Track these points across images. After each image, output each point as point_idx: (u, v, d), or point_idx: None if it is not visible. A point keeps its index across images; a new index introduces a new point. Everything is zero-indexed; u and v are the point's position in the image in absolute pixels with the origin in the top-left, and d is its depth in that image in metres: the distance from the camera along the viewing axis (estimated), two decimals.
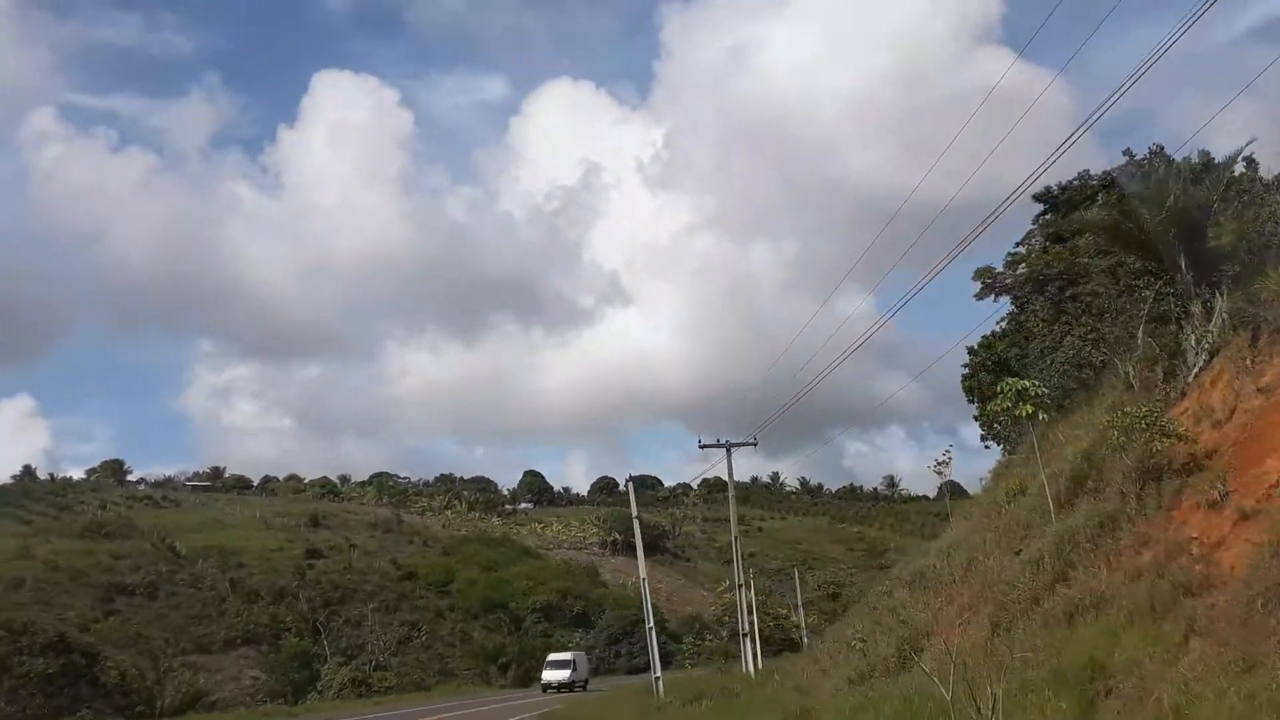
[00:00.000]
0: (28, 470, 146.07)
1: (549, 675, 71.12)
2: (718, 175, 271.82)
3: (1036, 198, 38.09)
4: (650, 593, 51.00)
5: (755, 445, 47.04)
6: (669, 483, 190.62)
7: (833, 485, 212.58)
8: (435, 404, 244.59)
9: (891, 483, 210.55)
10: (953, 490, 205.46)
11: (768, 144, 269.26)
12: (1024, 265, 39.87)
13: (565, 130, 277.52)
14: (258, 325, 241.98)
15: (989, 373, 37.87)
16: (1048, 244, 38.62)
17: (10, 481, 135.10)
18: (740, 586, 52.95)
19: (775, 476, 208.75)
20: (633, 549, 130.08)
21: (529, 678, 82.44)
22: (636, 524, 51.72)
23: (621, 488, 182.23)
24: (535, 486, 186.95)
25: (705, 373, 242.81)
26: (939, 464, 54.00)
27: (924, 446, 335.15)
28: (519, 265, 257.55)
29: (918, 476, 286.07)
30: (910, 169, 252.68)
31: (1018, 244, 41.24)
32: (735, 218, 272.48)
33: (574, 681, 70.46)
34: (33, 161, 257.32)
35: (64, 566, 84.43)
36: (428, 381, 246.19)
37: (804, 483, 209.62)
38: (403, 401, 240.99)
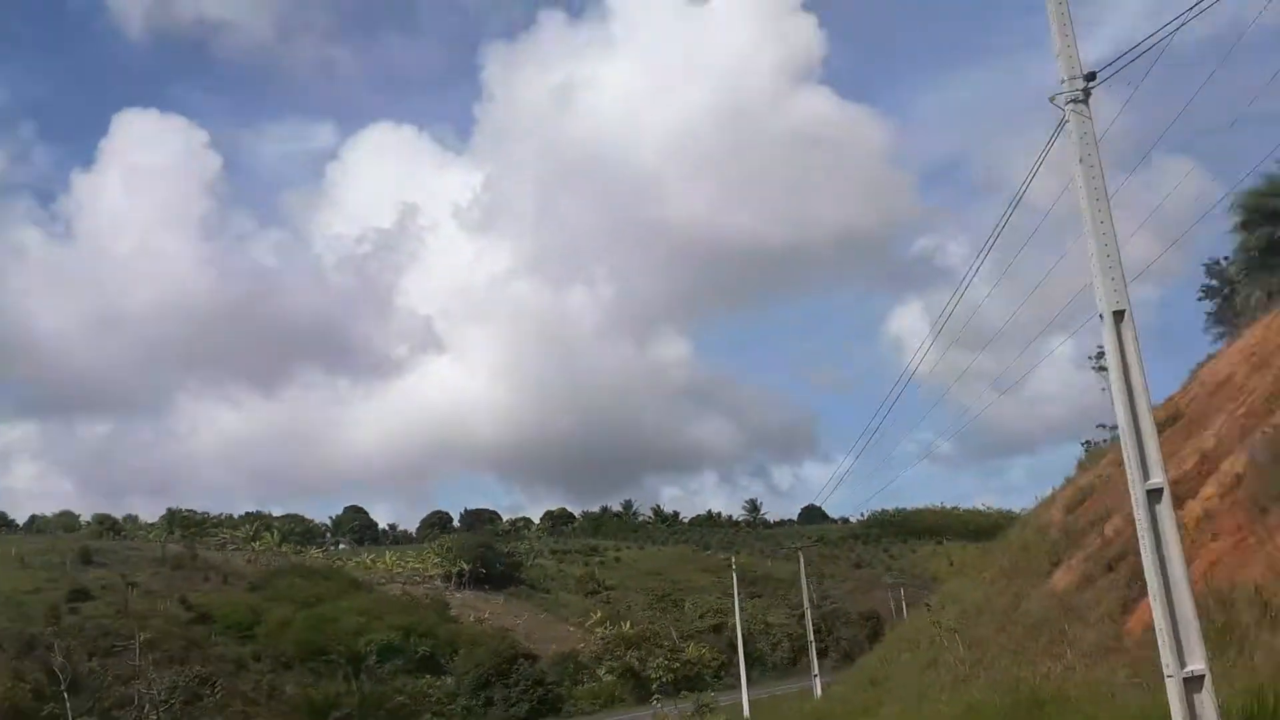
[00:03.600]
0: None
1: None
2: (537, 218, 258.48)
3: None
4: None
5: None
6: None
7: (686, 514, 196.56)
8: (232, 460, 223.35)
9: (754, 507, 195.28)
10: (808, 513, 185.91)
11: (588, 185, 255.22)
12: None
13: (383, 174, 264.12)
14: (41, 380, 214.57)
15: None
16: None
17: None
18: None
19: (628, 505, 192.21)
20: (482, 583, 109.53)
21: None
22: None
23: (456, 523, 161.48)
24: (356, 523, 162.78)
25: (519, 419, 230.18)
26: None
27: (734, 489, 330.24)
28: (328, 312, 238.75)
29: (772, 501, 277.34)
30: (730, 209, 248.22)
31: None
32: (553, 261, 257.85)
33: None
34: None
35: None
36: (224, 437, 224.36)
37: (658, 510, 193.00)
38: (196, 459, 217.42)
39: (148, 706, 64.62)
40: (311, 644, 78.97)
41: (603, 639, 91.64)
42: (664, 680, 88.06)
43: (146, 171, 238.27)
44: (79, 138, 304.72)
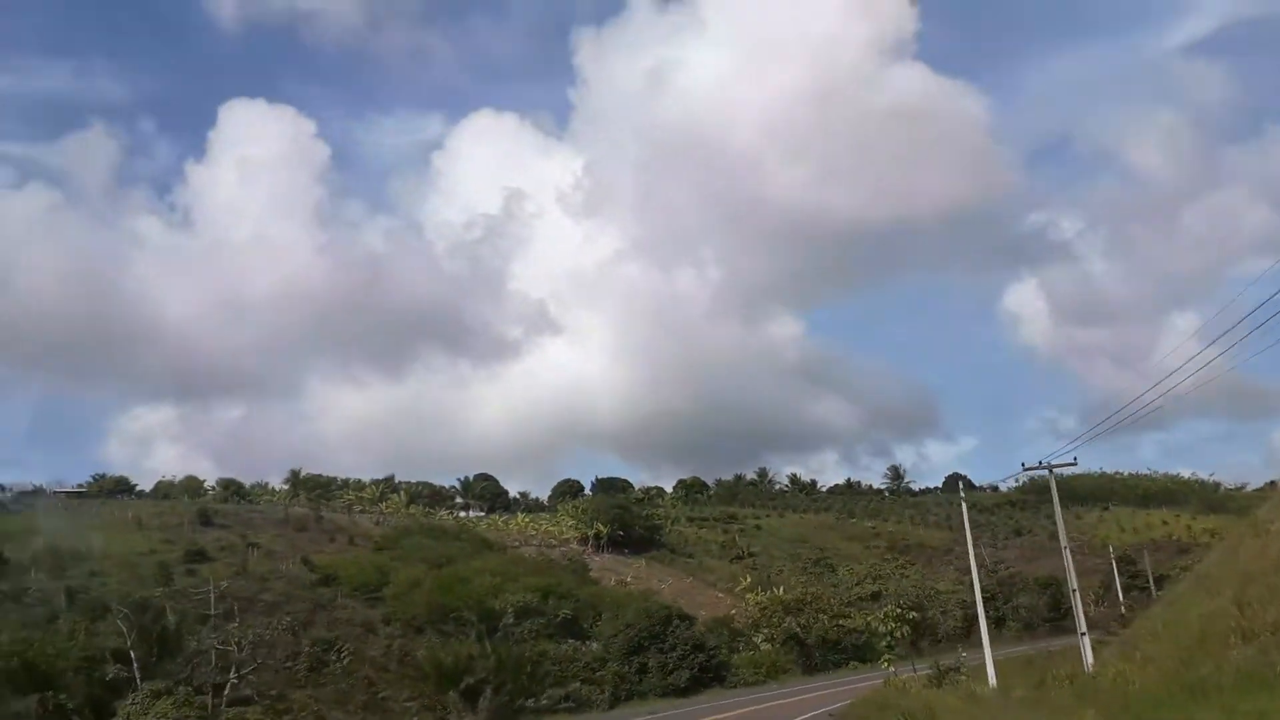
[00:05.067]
0: None
1: None
2: (640, 201, 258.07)
3: None
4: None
5: (1075, 464, 41.76)
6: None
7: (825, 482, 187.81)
8: (362, 440, 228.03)
9: (896, 474, 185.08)
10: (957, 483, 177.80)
11: (688, 167, 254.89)
12: None
13: (487, 161, 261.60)
14: (172, 367, 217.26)
15: None
16: None
17: None
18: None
19: (763, 473, 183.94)
20: (621, 546, 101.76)
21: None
22: None
23: (588, 491, 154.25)
24: (488, 491, 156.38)
25: (637, 399, 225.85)
26: None
27: (856, 468, 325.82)
28: (444, 296, 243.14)
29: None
30: (831, 187, 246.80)
31: None
32: (660, 243, 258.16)
33: None
34: None
35: None
36: (352, 418, 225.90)
37: (795, 479, 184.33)
38: (327, 439, 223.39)
39: (234, 669, 57.73)
40: (443, 606, 71.98)
41: (757, 604, 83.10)
42: (826, 650, 79.66)
43: (257, 162, 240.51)
44: (190, 129, 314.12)
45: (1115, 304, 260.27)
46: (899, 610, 56.46)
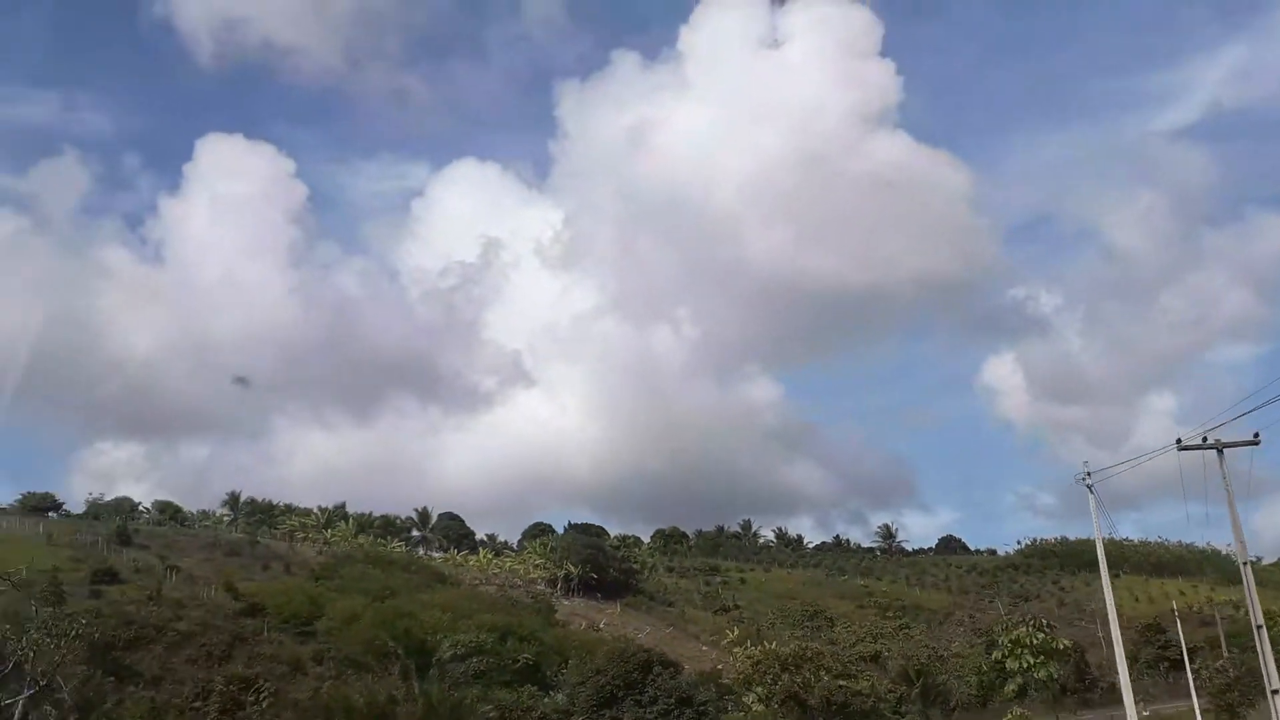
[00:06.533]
0: None
1: None
2: (618, 256, 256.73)
3: None
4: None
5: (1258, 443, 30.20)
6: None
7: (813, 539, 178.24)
8: (326, 483, 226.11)
9: (888, 533, 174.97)
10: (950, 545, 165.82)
11: (667, 225, 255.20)
12: None
13: (467, 210, 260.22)
14: (136, 401, 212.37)
15: None
16: None
17: None
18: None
19: (747, 525, 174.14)
20: (593, 590, 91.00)
21: None
22: None
23: (560, 530, 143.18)
24: (452, 531, 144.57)
25: (612, 456, 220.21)
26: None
27: (830, 535, 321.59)
28: (416, 342, 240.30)
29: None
30: (810, 251, 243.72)
31: None
32: (637, 300, 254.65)
33: None
34: None
35: None
36: (319, 460, 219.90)
37: (781, 534, 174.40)
38: (291, 481, 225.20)
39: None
40: (381, 645, 61.07)
41: (749, 659, 72.39)
42: (831, 713, 68.94)
43: (233, 198, 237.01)
44: (166, 163, 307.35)
45: (1093, 381, 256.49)
46: (1041, 636, 45.72)
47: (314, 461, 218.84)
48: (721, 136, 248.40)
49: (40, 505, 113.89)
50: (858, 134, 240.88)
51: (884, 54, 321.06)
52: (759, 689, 68.50)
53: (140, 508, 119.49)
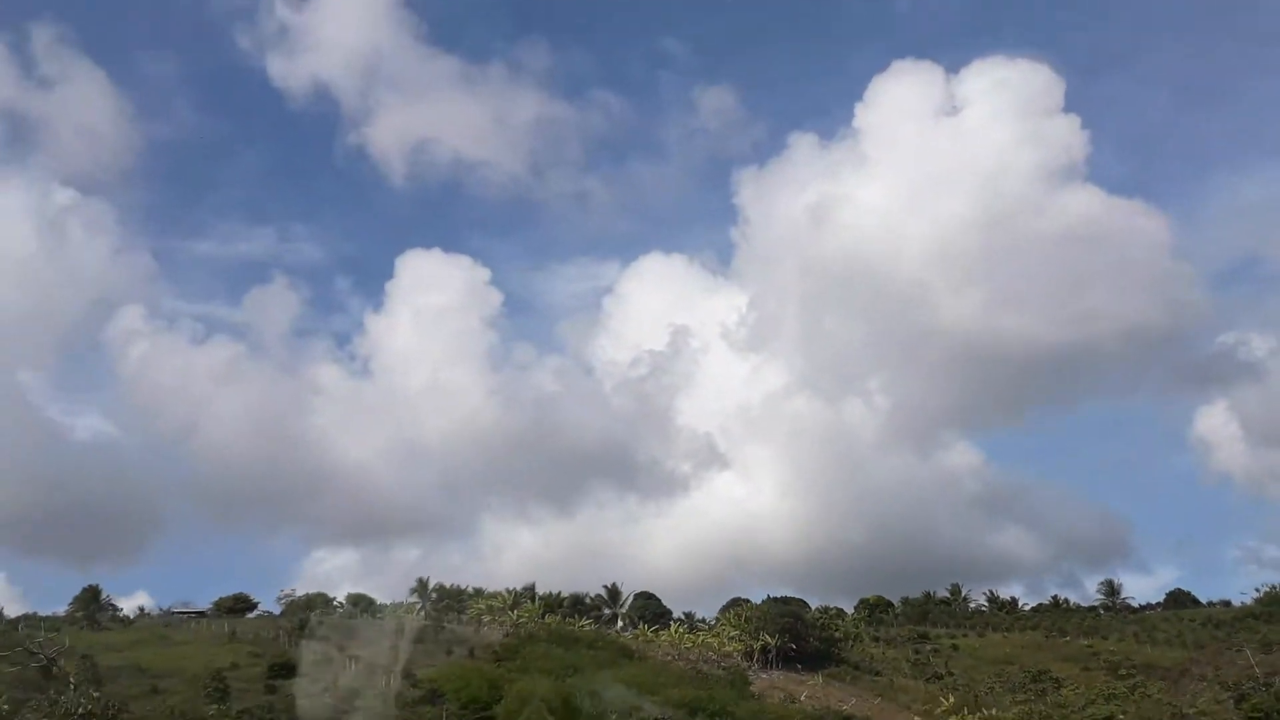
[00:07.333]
0: None
1: None
2: (804, 334, 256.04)
3: None
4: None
5: None
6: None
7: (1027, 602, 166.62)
8: (531, 577, 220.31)
9: (1111, 589, 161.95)
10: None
11: (852, 299, 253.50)
12: None
13: (655, 301, 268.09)
14: (349, 508, 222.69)
15: None
16: None
17: None
18: None
19: (956, 590, 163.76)
20: (793, 662, 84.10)
21: None
22: None
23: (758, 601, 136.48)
24: (649, 610, 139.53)
25: (810, 533, 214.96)
26: None
27: (1042, 599, 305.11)
28: (612, 432, 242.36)
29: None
30: (1003, 313, 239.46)
31: None
32: (826, 375, 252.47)
33: None
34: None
35: None
36: (525, 555, 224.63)
37: (994, 596, 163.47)
38: (499, 576, 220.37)
39: None
40: None
41: None
42: None
43: (433, 309, 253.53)
44: (369, 281, 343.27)
45: None
46: None
47: (519, 555, 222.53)
48: (904, 206, 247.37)
49: (234, 607, 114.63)
50: (1045, 191, 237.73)
51: (1067, 109, 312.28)
52: None
53: (335, 602, 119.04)
